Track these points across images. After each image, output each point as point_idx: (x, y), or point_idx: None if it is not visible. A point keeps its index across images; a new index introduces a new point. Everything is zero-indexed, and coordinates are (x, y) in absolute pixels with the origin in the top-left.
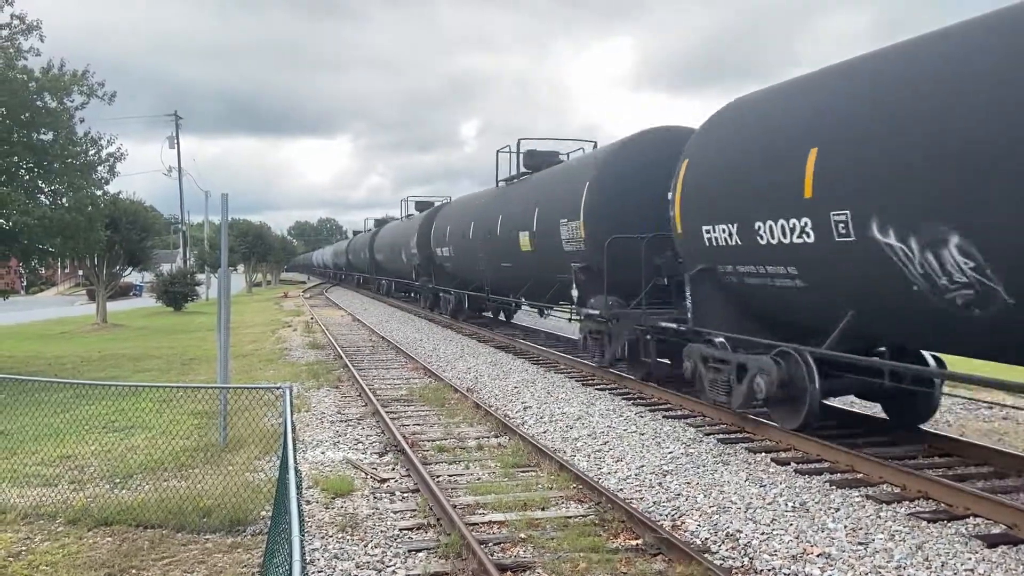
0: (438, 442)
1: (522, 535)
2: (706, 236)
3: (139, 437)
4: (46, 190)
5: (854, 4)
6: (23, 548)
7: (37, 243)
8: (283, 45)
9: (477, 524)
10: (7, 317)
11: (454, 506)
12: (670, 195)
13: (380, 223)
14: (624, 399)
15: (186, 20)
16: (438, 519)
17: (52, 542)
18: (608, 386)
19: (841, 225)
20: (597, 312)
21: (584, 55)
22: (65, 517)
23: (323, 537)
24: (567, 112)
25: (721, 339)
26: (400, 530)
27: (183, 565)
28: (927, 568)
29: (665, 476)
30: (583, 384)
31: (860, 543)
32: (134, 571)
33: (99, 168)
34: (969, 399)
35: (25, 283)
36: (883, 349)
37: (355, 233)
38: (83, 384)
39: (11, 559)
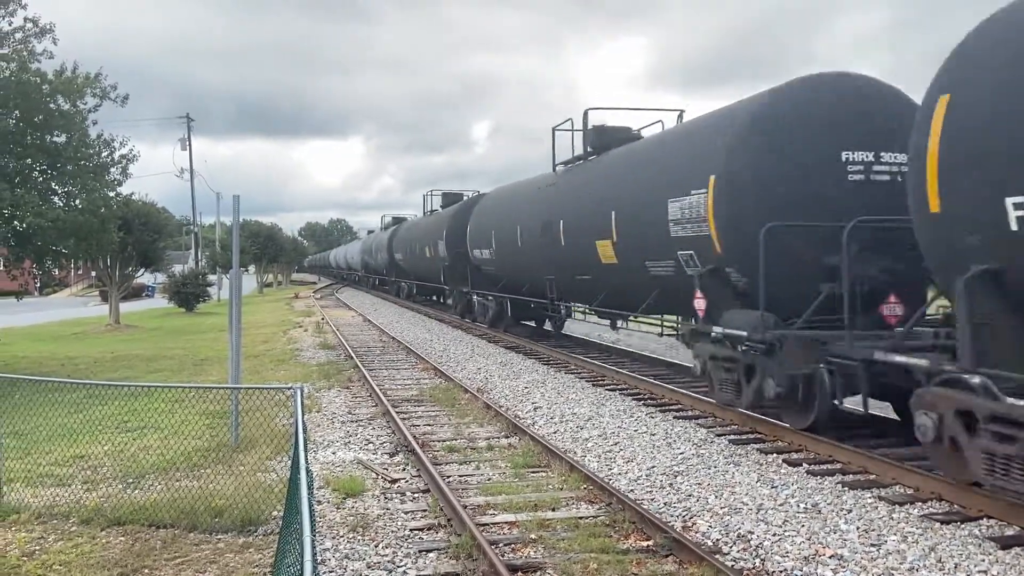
0: (448, 442)
1: (533, 536)
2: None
3: (152, 437)
4: (59, 192)
5: (872, 2)
6: (37, 547)
7: (51, 244)
8: (294, 47)
9: (488, 525)
10: (21, 318)
11: (464, 506)
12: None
13: (397, 220)
14: (635, 399)
15: (198, 23)
16: (449, 520)
17: (65, 541)
18: (618, 387)
19: None
20: (744, 334)
21: (596, 54)
22: (78, 517)
23: (334, 537)
24: (579, 112)
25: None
26: (411, 530)
27: (195, 565)
28: (940, 570)
29: (676, 477)
30: (593, 385)
31: (872, 544)
32: (147, 571)
33: (112, 170)
34: None
35: (39, 284)
36: None
37: (369, 232)
38: (96, 384)
39: (25, 558)
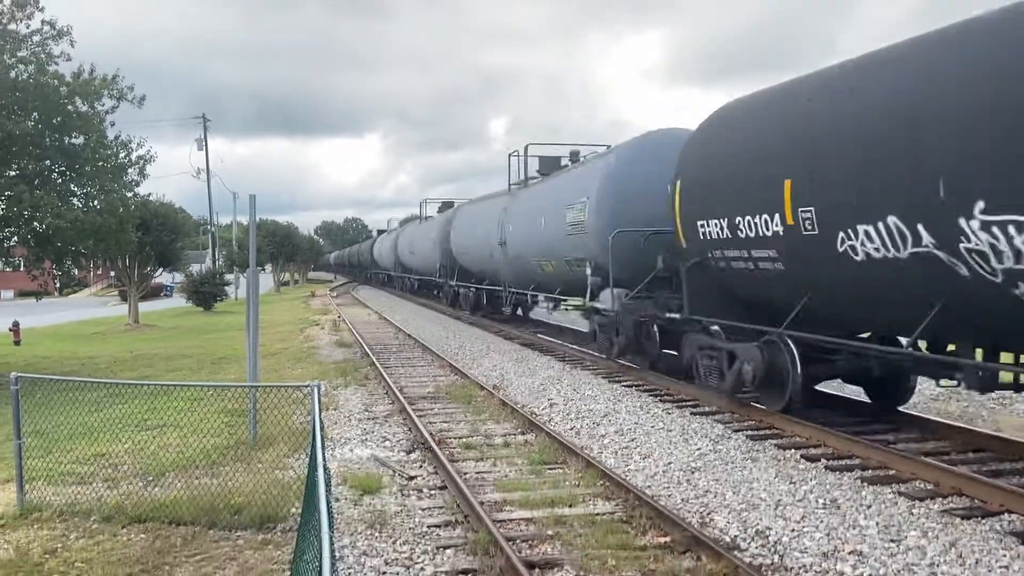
0: (465, 439)
1: (550, 532)
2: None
3: (171, 435)
4: (78, 193)
5: None
6: (59, 545)
7: (70, 245)
8: (313, 44)
9: (505, 521)
10: (42, 318)
11: (481, 503)
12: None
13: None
14: (651, 395)
15: (217, 21)
16: (466, 516)
17: (87, 539)
18: (635, 383)
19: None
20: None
21: (616, 48)
22: (99, 514)
23: (352, 534)
24: (597, 107)
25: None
26: (428, 527)
27: (215, 562)
28: (961, 565)
29: (693, 473)
30: (609, 381)
31: (892, 540)
32: (167, 568)
33: (129, 170)
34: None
35: (58, 285)
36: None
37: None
38: (116, 383)
39: (47, 556)
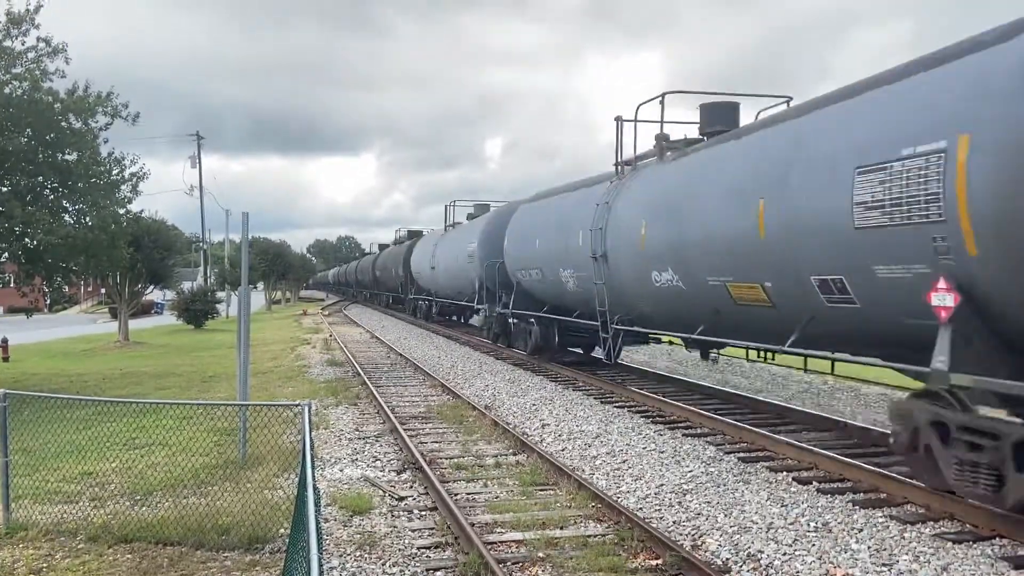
0: (456, 460)
1: (540, 554)
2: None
3: (159, 454)
4: (70, 209)
5: (890, 16)
6: (44, 565)
7: (61, 262)
8: (311, 62)
9: (495, 543)
10: (31, 335)
11: (472, 524)
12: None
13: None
14: (643, 416)
15: (214, 39)
16: (456, 537)
17: (73, 559)
18: (627, 404)
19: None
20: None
21: (613, 69)
22: (86, 534)
23: (341, 555)
24: (594, 128)
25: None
26: (418, 548)
27: None
28: None
29: (685, 495)
30: (601, 402)
31: (884, 564)
32: None
33: (122, 187)
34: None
35: (48, 301)
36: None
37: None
38: (105, 401)
39: (33, 575)
